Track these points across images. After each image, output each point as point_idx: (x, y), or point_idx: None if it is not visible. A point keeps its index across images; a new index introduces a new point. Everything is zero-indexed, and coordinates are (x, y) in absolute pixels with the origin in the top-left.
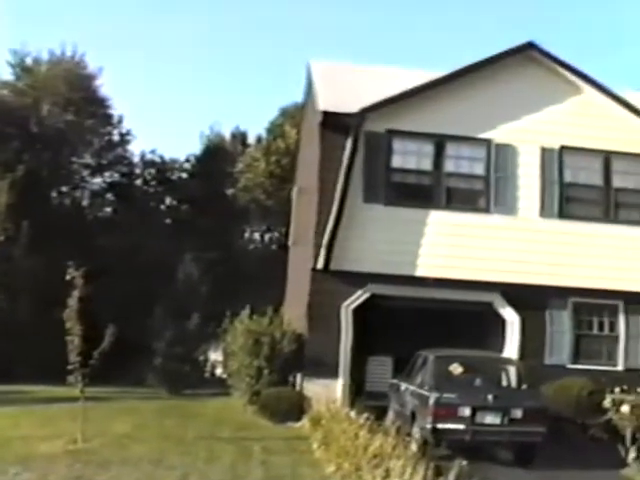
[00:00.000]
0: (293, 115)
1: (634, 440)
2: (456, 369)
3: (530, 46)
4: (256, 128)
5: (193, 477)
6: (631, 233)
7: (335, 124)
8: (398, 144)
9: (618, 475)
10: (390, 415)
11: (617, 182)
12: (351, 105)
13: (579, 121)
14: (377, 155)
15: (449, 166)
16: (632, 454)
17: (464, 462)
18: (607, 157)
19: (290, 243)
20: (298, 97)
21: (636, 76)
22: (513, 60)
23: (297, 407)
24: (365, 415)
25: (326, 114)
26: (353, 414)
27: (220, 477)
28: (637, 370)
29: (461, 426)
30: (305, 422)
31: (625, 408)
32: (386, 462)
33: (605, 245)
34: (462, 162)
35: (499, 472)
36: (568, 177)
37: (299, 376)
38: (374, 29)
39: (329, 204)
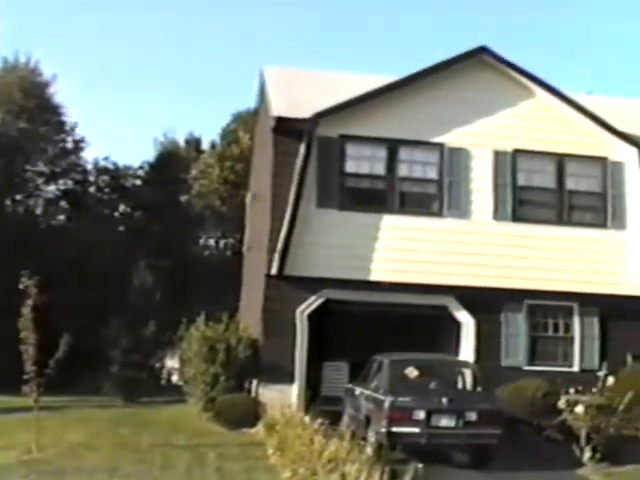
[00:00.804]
0: (246, 121)
1: (589, 440)
2: (411, 373)
3: (483, 50)
4: (211, 134)
5: None
6: (585, 235)
7: (288, 129)
8: (351, 149)
9: (574, 475)
10: (345, 419)
11: (570, 185)
12: (304, 110)
13: (532, 124)
14: (330, 160)
15: (402, 170)
16: (587, 454)
17: (420, 465)
18: (560, 160)
19: (245, 249)
20: (251, 103)
21: (592, 80)
22: (466, 64)
23: (252, 413)
24: (320, 420)
25: (279, 119)
26: (308, 419)
27: None
28: (592, 371)
29: (416, 429)
30: (260, 428)
31: (579, 409)
32: (341, 467)
33: (559, 247)
34: (415, 166)
35: (455, 475)
36: (521, 180)
37: (255, 382)
38: (329, 35)
39: (282, 209)
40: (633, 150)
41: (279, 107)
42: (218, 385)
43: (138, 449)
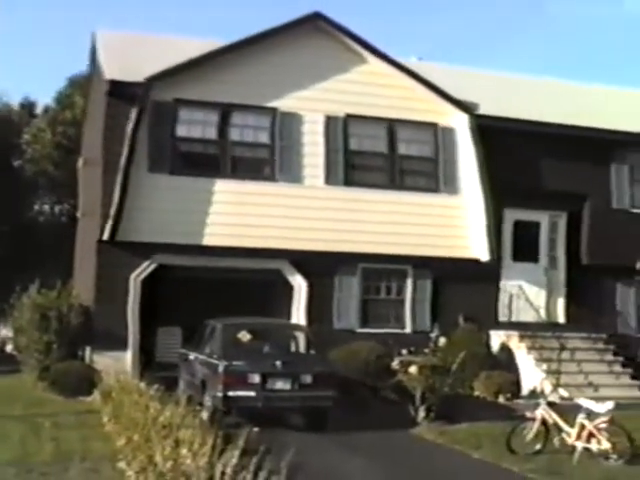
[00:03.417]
0: (82, 85)
1: (424, 400)
2: (244, 337)
3: (317, 16)
4: (47, 98)
5: None
6: (417, 199)
7: (121, 93)
8: (184, 113)
9: (409, 434)
10: (181, 385)
11: (402, 150)
12: (138, 74)
13: (364, 90)
14: (163, 124)
15: (234, 135)
16: (422, 413)
17: (255, 429)
18: (392, 125)
19: (79, 215)
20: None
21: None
22: (300, 30)
23: (87, 381)
24: (155, 386)
25: (112, 83)
26: (143, 385)
27: (10, 455)
28: (424, 332)
29: (252, 393)
30: (96, 396)
31: (413, 369)
32: (175, 432)
33: (392, 212)
34: (247, 131)
35: (292, 437)
36: (353, 145)
37: (88, 349)
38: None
39: (114, 175)
40: (464, 116)
41: (112, 71)
42: (52, 353)
43: None
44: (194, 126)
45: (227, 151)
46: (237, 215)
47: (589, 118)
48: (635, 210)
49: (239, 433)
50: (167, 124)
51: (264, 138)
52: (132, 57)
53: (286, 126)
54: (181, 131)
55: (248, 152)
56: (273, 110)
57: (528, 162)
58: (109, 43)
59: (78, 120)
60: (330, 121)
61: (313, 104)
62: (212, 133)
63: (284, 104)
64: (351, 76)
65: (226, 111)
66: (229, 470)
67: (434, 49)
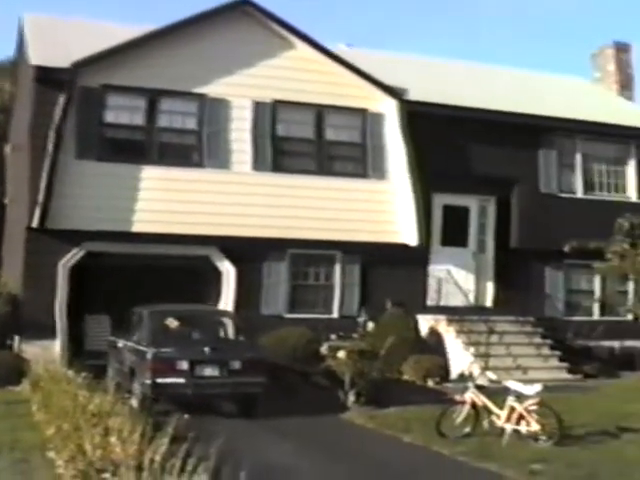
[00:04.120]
0: (10, 70)
1: (353, 385)
2: (172, 323)
3: (245, 2)
4: None
5: None
6: (345, 185)
7: (48, 79)
8: (112, 99)
9: (339, 419)
10: (110, 373)
11: (330, 135)
12: (66, 60)
13: (292, 76)
14: (90, 110)
15: (162, 121)
16: (351, 398)
17: (185, 416)
18: (320, 111)
19: (7, 202)
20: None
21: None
22: (228, 15)
23: (16, 370)
24: (84, 374)
25: (39, 69)
26: (71, 374)
27: None
28: (352, 317)
29: (181, 380)
30: (25, 385)
31: (341, 354)
32: (105, 420)
33: (320, 197)
34: (175, 117)
35: (222, 424)
36: (281, 131)
37: (17, 338)
38: None
39: (42, 161)
40: (393, 102)
41: (39, 56)
42: None
43: None
44: (122, 112)
45: (155, 137)
46: (165, 201)
47: (518, 103)
48: (563, 194)
49: (168, 420)
50: (95, 110)
51: (192, 124)
52: (60, 42)
53: (214, 112)
54: (109, 117)
55: (176, 138)
56: (201, 96)
57: (457, 147)
58: (37, 27)
59: (6, 106)
60: (258, 107)
61: (241, 90)
62: (140, 119)
63: (212, 90)
64: (279, 62)
65: (154, 97)
66: (158, 457)
67: (366, 35)
